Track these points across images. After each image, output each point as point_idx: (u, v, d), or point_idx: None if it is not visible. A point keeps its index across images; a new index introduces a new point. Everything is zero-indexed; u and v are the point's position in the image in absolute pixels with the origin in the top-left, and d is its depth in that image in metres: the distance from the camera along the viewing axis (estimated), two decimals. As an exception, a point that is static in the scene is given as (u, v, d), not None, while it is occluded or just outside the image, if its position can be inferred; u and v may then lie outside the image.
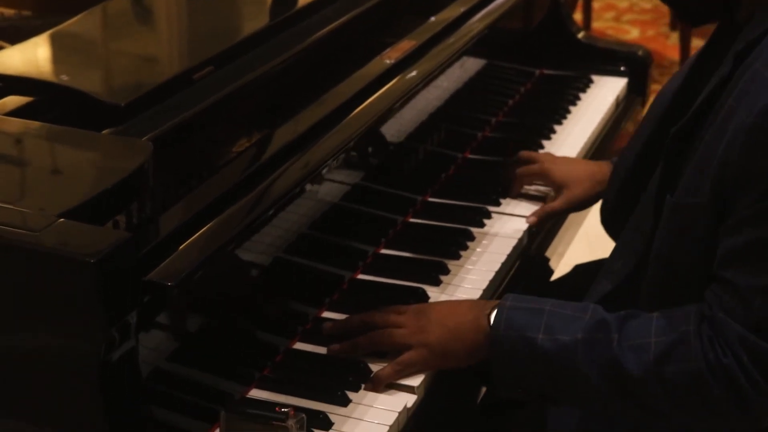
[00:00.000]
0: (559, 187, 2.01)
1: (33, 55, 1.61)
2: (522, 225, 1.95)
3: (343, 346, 1.58)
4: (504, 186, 2.05)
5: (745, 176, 1.38)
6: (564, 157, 2.12)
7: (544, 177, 2.04)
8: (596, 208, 2.16)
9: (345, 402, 1.50)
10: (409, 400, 1.52)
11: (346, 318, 1.63)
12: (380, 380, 1.53)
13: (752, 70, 1.41)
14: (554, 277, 2.15)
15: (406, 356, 1.54)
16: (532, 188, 2.06)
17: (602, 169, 1.99)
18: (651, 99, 2.66)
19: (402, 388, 1.54)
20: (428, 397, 1.56)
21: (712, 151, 1.42)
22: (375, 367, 1.56)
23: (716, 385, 1.39)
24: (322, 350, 1.60)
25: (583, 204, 2.02)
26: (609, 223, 1.82)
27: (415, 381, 1.54)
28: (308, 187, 1.61)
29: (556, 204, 2.00)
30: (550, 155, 2.11)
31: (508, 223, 1.96)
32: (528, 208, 2.00)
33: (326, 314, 1.68)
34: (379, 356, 1.57)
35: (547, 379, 1.49)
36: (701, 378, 1.40)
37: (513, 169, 2.06)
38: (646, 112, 1.77)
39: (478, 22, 2.13)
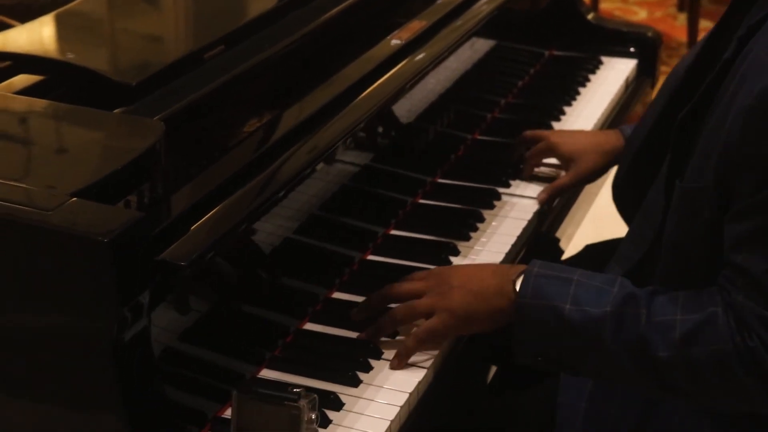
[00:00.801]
0: (567, 161, 2.01)
1: (43, 34, 1.61)
2: (532, 206, 1.95)
3: (368, 332, 1.58)
4: (514, 168, 2.05)
5: (745, 159, 1.38)
6: (569, 131, 2.12)
7: (551, 152, 2.03)
8: (605, 190, 2.17)
9: (356, 383, 1.50)
10: (420, 380, 1.52)
11: (367, 298, 1.62)
12: (405, 353, 1.53)
13: (752, 54, 1.42)
14: (564, 257, 2.15)
15: (429, 323, 1.54)
16: (542, 170, 2.06)
17: (609, 138, 1.99)
18: (660, 81, 2.67)
19: (412, 368, 1.54)
20: (438, 378, 1.56)
21: (715, 136, 1.43)
22: (385, 347, 1.56)
23: (741, 368, 1.39)
24: (332, 331, 1.61)
25: (593, 176, 2.02)
26: (620, 200, 1.82)
27: (426, 362, 1.55)
28: (318, 168, 1.61)
29: (565, 179, 2.00)
30: (554, 130, 2.10)
31: (518, 205, 1.96)
32: (538, 190, 2.00)
33: (336, 295, 1.69)
34: (391, 335, 1.58)
35: (571, 350, 1.49)
36: (727, 359, 1.40)
37: (520, 151, 2.06)
38: (657, 92, 1.77)
39: (487, 3, 2.12)
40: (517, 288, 1.51)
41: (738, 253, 1.41)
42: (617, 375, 1.49)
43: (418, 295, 1.57)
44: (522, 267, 1.54)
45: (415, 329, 1.55)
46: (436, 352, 1.57)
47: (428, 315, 1.55)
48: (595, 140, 2.02)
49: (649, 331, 1.44)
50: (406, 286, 1.59)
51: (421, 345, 1.54)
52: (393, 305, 1.60)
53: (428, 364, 1.54)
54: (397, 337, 1.58)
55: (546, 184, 2.02)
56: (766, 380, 1.39)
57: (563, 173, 2.04)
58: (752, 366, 1.39)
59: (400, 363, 1.53)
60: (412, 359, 1.55)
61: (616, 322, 1.45)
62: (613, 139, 1.98)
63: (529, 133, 2.09)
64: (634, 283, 1.57)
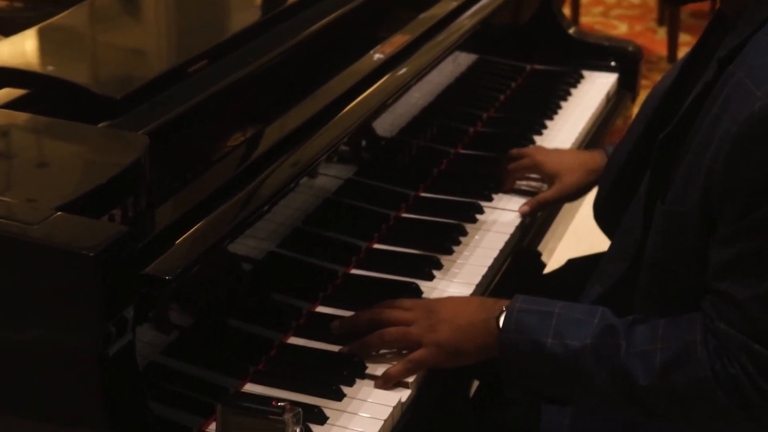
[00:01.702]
0: (551, 178, 2.03)
1: (27, 48, 1.62)
2: (514, 220, 1.97)
3: (353, 346, 1.59)
4: (496, 182, 2.07)
5: (730, 185, 1.39)
6: (554, 149, 2.14)
7: (535, 169, 2.05)
8: (586, 204, 2.18)
9: (339, 396, 1.51)
10: (403, 395, 1.53)
11: (353, 315, 1.64)
12: (391, 377, 1.54)
13: (735, 78, 1.42)
14: (546, 271, 2.16)
15: (418, 354, 1.56)
16: (524, 183, 2.08)
17: (594, 158, 2.01)
18: (641, 95, 2.69)
19: (396, 383, 1.55)
20: (421, 393, 1.57)
21: (699, 160, 1.44)
22: (369, 362, 1.57)
23: (723, 394, 1.41)
24: (315, 345, 1.62)
25: (576, 193, 2.04)
26: (602, 218, 1.84)
27: (409, 377, 1.56)
28: (301, 182, 1.62)
29: (549, 194, 2.02)
30: (540, 148, 2.13)
31: (501, 218, 1.97)
32: (520, 203, 2.01)
33: (320, 309, 1.69)
34: (376, 352, 1.59)
35: (556, 383, 1.52)
36: (708, 387, 1.41)
37: (505, 166, 2.08)
38: (638, 111, 1.79)
39: (469, 18, 2.14)
40: (501, 323, 1.53)
41: (722, 280, 1.42)
42: (604, 404, 1.51)
43: (407, 324, 1.59)
44: (506, 302, 1.56)
45: (404, 359, 1.56)
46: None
47: (415, 345, 1.57)
48: (581, 158, 2.04)
49: (629, 361, 1.45)
50: (395, 314, 1.60)
51: (408, 373, 1.55)
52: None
53: (411, 379, 1.55)
54: (381, 351, 1.59)
55: (528, 197, 2.04)
56: (747, 407, 1.40)
57: (545, 187, 2.06)
58: (733, 393, 1.40)
59: (385, 385, 1.54)
60: (396, 373, 1.56)
61: (596, 354, 1.47)
62: (598, 158, 2.00)
63: (515, 151, 2.11)
64: (616, 301, 1.58)
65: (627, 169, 1.74)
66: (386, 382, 1.54)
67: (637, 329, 1.48)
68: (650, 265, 1.54)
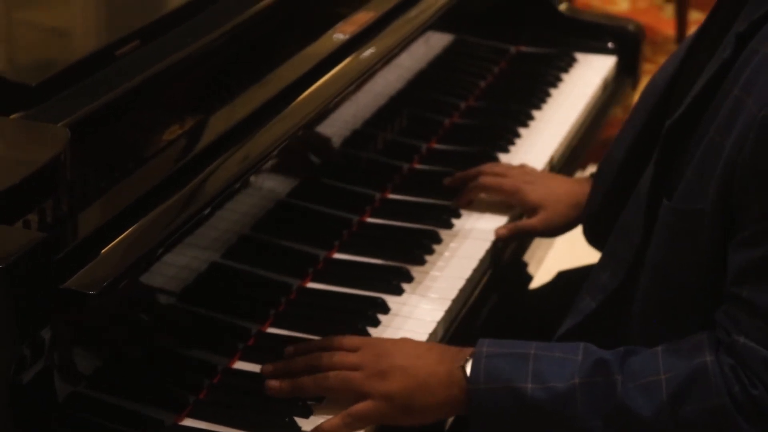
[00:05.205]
0: (533, 209, 1.97)
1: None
2: (497, 226, 1.97)
3: (285, 387, 1.55)
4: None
5: (756, 178, 1.39)
6: (541, 174, 2.08)
7: (516, 197, 1.99)
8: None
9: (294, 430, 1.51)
10: None
11: (287, 356, 1.59)
12: None
13: (760, 55, 1.42)
14: (533, 285, 2.17)
15: (362, 408, 1.51)
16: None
17: (584, 189, 1.94)
18: (643, 81, 2.71)
19: None
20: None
21: (716, 150, 1.44)
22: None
23: (745, 422, 1.40)
24: (266, 370, 1.62)
25: (560, 230, 1.99)
26: (593, 234, 1.83)
27: None
28: (250, 181, 1.62)
29: (533, 222, 1.96)
30: (523, 169, 2.06)
31: (480, 224, 1.98)
32: (504, 208, 2.02)
33: (271, 329, 1.69)
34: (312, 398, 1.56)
35: None
36: (727, 415, 1.40)
37: (471, 177, 2.03)
38: (637, 101, 1.78)
39: (445, -9, 2.15)
40: (468, 373, 1.51)
41: (742, 286, 1.42)
42: None
43: (351, 369, 1.54)
44: (471, 350, 1.53)
45: (343, 411, 1.51)
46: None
47: (358, 394, 1.52)
48: (569, 189, 1.99)
49: (629, 397, 1.45)
50: (337, 357, 1.55)
51: (347, 429, 1.51)
52: None
53: None
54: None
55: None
56: None
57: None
58: (756, 417, 1.40)
59: None
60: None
61: (588, 394, 1.46)
62: (587, 189, 1.93)
63: (492, 166, 2.06)
64: (611, 316, 1.58)
65: (626, 169, 1.73)
66: None
67: (633, 360, 1.48)
68: (653, 272, 1.54)
